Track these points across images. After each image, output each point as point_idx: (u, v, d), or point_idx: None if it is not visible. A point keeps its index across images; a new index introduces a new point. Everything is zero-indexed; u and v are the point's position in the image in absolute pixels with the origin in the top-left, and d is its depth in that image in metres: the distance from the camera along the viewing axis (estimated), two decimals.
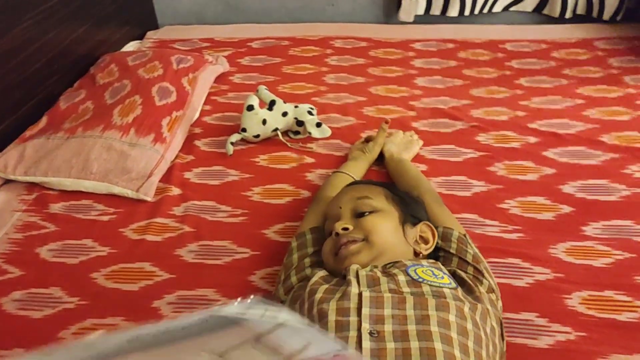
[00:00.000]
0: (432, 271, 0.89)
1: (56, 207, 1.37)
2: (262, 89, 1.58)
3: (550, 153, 1.46)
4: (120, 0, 2.16)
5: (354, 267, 0.91)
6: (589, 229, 1.22)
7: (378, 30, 2.25)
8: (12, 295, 1.13)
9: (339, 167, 1.39)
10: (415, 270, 0.88)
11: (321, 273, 0.95)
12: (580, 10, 2.21)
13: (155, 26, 2.44)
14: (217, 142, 1.59)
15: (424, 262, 0.94)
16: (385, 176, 1.40)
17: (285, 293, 1.00)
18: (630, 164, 1.40)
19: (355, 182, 1.21)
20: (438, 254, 1.05)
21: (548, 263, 1.14)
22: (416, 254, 1.00)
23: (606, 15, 2.17)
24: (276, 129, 1.55)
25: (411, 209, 1.05)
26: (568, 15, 2.22)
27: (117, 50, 2.07)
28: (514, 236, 1.21)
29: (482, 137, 1.54)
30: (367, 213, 0.99)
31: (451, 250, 1.03)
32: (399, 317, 0.79)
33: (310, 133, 1.54)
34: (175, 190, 1.40)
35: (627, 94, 1.72)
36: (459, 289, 0.88)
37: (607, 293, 1.07)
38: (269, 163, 1.50)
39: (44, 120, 1.60)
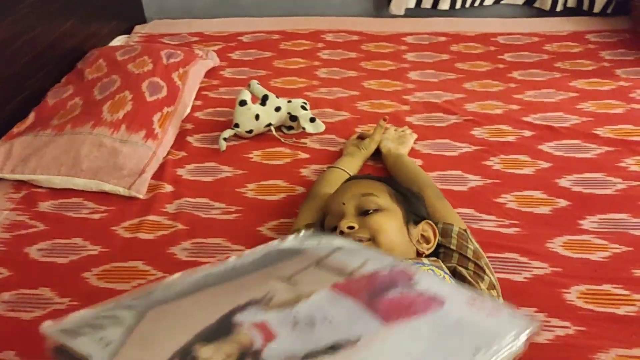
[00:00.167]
0: (433, 270, 0.87)
1: (45, 206, 1.34)
2: (254, 83, 1.56)
3: (545, 147, 1.45)
4: None
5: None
6: (586, 223, 1.21)
7: (369, 24, 2.23)
8: (0, 297, 1.11)
9: (334, 162, 1.37)
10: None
11: None
12: (571, 3, 2.21)
13: (143, 20, 2.40)
14: (209, 138, 1.56)
15: (425, 260, 0.93)
16: (381, 171, 1.39)
17: None
18: (625, 157, 1.40)
19: (356, 177, 1.19)
20: (438, 251, 1.03)
21: (546, 257, 1.13)
22: (418, 254, 0.99)
23: (597, 8, 2.17)
24: (269, 124, 1.53)
25: (414, 207, 1.04)
26: (559, 8, 2.22)
27: (105, 45, 2.04)
28: (511, 231, 1.21)
29: (477, 131, 1.53)
30: (371, 211, 0.97)
31: (451, 247, 1.02)
32: None
33: (304, 128, 1.52)
34: (168, 188, 1.38)
35: (620, 87, 1.72)
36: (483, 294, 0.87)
37: (605, 287, 1.07)
38: (263, 159, 1.48)
39: (31, 117, 1.57)
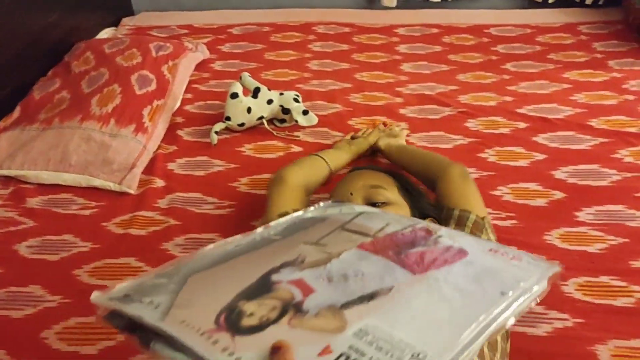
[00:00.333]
0: None
1: (34, 202, 1.31)
2: (246, 76, 1.54)
3: (540, 138, 1.45)
4: None
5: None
6: (582, 215, 1.21)
7: (361, 16, 2.20)
8: None
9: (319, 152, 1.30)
10: None
11: None
12: None
13: (130, 12, 2.36)
14: (200, 131, 1.54)
15: None
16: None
17: None
18: (619, 149, 1.40)
19: (364, 167, 1.17)
20: None
21: (543, 250, 1.13)
22: None
23: (589, 0, 2.17)
24: (261, 117, 1.51)
25: (418, 203, 1.02)
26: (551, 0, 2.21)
27: (92, 37, 2.00)
28: (507, 223, 1.20)
29: (471, 123, 1.52)
30: (379, 204, 0.95)
31: None
32: None
33: (296, 121, 1.50)
34: (159, 182, 1.36)
35: (613, 78, 1.71)
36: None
37: (603, 279, 1.07)
38: (255, 152, 1.46)
39: (17, 111, 1.54)
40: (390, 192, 0.98)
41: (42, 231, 1.23)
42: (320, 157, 1.24)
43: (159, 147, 1.47)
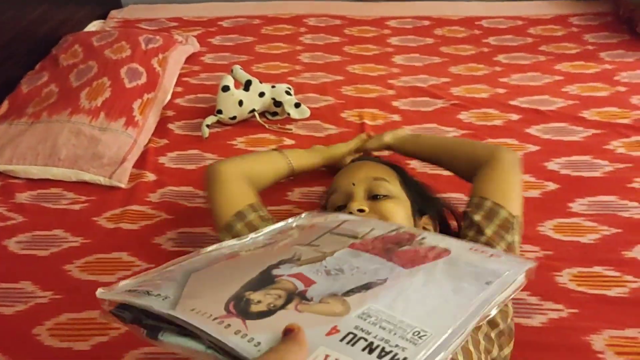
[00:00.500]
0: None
1: (23, 197, 1.29)
2: (237, 68, 1.53)
3: (533, 130, 1.45)
4: None
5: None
6: (575, 206, 1.21)
7: (352, 8, 2.19)
8: None
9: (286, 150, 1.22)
10: None
11: None
12: None
13: (118, 5, 2.33)
14: (191, 124, 1.53)
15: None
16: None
17: None
18: (611, 140, 1.40)
19: (367, 158, 1.16)
20: (467, 233, 0.94)
21: (537, 241, 1.13)
22: None
23: None
24: (253, 110, 1.49)
25: (419, 200, 1.01)
26: None
27: (79, 30, 1.97)
28: None
29: (463, 116, 1.52)
30: (381, 196, 0.94)
31: (485, 233, 0.91)
32: None
33: (288, 114, 1.49)
34: (150, 176, 1.34)
35: (604, 70, 1.72)
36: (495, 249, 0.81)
37: (596, 269, 1.07)
38: (247, 145, 1.45)
39: (5, 105, 1.51)
40: (393, 186, 0.97)
41: (32, 226, 1.21)
42: (281, 153, 1.18)
43: (150, 140, 1.46)
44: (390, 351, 0.42)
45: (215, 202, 1.01)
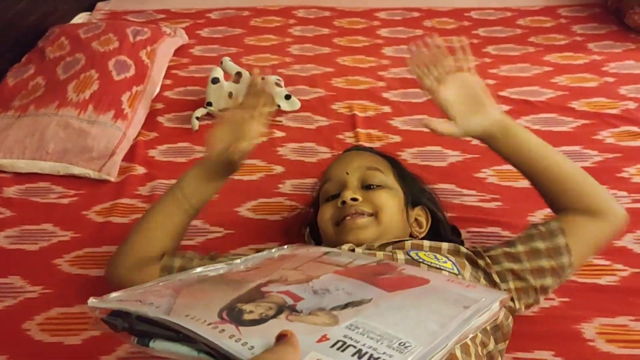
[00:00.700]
0: (436, 255, 0.84)
1: (10, 191, 1.27)
2: (227, 60, 1.52)
3: (522, 121, 1.45)
4: None
5: (345, 247, 0.86)
6: None
7: (341, 0, 2.19)
8: None
9: (179, 179, 0.96)
10: (417, 253, 0.83)
11: None
12: None
13: None
14: (181, 117, 1.51)
15: (426, 242, 0.90)
16: None
17: None
18: (600, 130, 1.41)
19: (360, 148, 1.15)
20: (490, 255, 0.88)
21: None
22: (411, 236, 0.97)
23: None
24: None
25: (412, 191, 1.01)
26: None
27: (66, 23, 1.94)
28: (492, 205, 1.20)
29: None
30: (374, 186, 0.94)
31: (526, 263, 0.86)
32: None
33: (279, 106, 1.48)
34: (140, 169, 1.33)
35: (593, 61, 1.73)
36: (461, 276, 0.81)
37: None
38: None
39: None
40: (387, 176, 0.97)
41: (20, 221, 1.20)
42: (174, 194, 0.93)
43: (139, 133, 1.44)
44: (379, 357, 0.44)
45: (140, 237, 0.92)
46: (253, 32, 1.97)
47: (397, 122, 1.46)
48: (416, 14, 2.07)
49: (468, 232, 1.12)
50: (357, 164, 0.98)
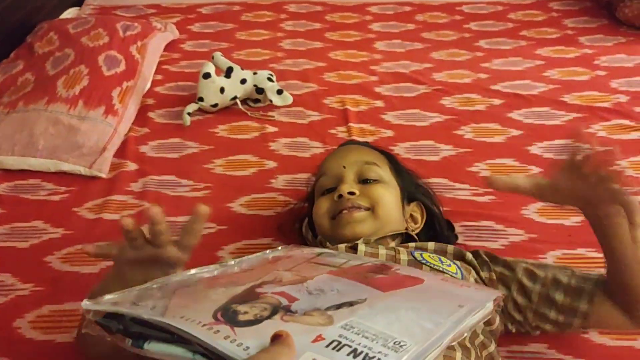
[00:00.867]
0: (440, 258, 0.83)
1: (0, 188, 1.26)
2: (218, 55, 1.51)
3: (515, 114, 1.46)
4: None
5: (342, 246, 0.86)
6: None
7: None
8: None
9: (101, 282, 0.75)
10: (421, 254, 0.83)
11: None
12: None
13: None
14: (172, 112, 1.50)
15: (430, 245, 0.90)
16: None
17: None
18: (592, 123, 1.42)
19: (358, 142, 1.14)
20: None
21: (521, 224, 1.13)
22: (407, 232, 0.97)
23: None
24: (235, 98, 1.48)
25: (409, 186, 1.01)
26: None
27: (55, 18, 1.92)
28: (485, 199, 1.20)
29: (446, 101, 1.52)
30: (371, 181, 0.94)
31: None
32: None
33: (271, 101, 1.48)
34: (132, 166, 1.32)
35: (584, 54, 1.74)
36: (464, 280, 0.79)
37: (580, 251, 1.08)
38: (230, 133, 1.43)
39: None
40: (383, 171, 0.97)
41: (10, 218, 1.18)
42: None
43: (130, 129, 1.43)
44: (374, 357, 0.44)
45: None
46: (244, 27, 1.96)
47: (389, 117, 1.46)
48: (408, 8, 2.07)
49: (462, 226, 1.11)
50: (353, 158, 0.98)
